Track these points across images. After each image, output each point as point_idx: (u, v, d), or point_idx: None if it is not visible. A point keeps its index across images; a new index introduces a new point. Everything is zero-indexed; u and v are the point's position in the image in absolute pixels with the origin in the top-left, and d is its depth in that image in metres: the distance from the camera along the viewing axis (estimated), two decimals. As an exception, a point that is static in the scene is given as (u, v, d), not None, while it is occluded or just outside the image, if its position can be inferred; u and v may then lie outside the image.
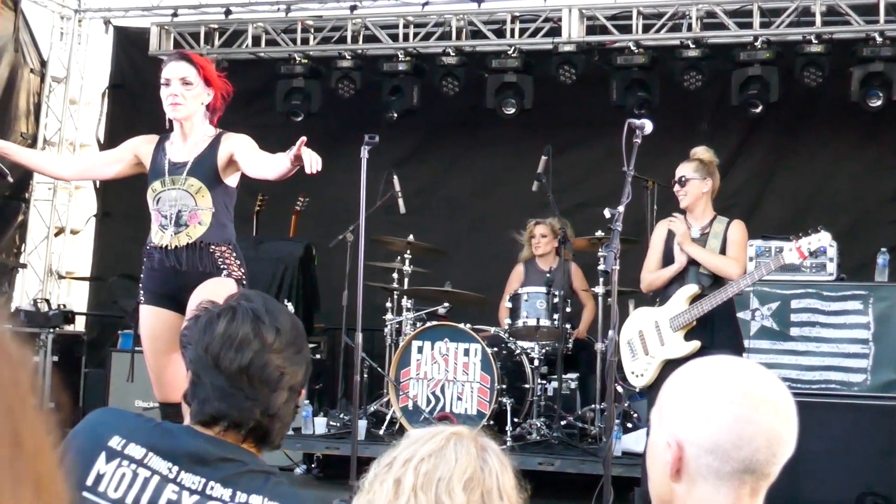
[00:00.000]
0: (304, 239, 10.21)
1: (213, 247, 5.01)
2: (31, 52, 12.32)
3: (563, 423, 8.34)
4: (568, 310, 8.56)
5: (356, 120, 10.32)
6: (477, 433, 2.02)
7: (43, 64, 12.48)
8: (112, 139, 11.72)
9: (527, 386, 8.43)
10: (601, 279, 8.44)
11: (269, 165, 4.83)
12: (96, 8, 12.50)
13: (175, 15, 11.72)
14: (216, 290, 4.64)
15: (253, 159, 4.93)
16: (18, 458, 0.62)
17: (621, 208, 5.95)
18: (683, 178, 6.62)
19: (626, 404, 8.53)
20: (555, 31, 10.37)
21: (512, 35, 10.55)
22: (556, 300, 8.49)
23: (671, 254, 6.67)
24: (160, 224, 5.09)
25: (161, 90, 5.04)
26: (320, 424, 8.63)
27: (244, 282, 5.08)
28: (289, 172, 4.73)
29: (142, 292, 5.19)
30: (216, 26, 11.53)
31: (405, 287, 9.08)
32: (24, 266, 12.38)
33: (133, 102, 11.68)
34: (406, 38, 10.86)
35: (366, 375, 8.50)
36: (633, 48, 10.14)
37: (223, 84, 5.16)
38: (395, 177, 9.31)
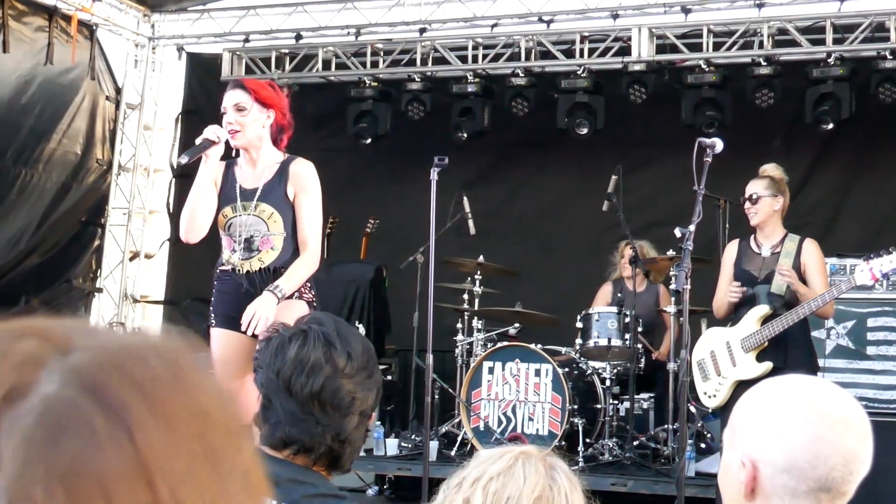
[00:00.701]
0: (374, 261, 10.26)
1: (284, 271, 5.03)
2: (107, 80, 12.54)
3: (635, 443, 8.27)
4: (640, 329, 8.51)
5: (426, 142, 10.36)
6: (546, 453, 2.01)
7: (118, 91, 12.70)
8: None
9: (598, 406, 8.37)
10: (672, 299, 8.38)
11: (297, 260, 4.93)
12: (170, 35, 12.70)
13: (246, 41, 11.88)
14: (287, 312, 4.66)
15: (311, 210, 5.01)
16: (248, 491, 0.64)
17: (692, 227, 5.91)
18: (755, 196, 6.56)
19: (699, 424, 8.44)
20: (624, 51, 10.33)
21: (581, 55, 10.52)
22: (627, 320, 8.44)
23: (743, 275, 6.60)
24: (232, 249, 5.12)
25: (222, 119, 5.09)
26: (392, 446, 8.63)
27: (315, 304, 5.09)
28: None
29: (212, 315, 5.22)
30: (287, 51, 11.65)
31: (476, 308, 9.07)
32: (100, 290, 12.57)
33: (205, 127, 11.82)
34: (475, 59, 10.88)
35: (437, 396, 8.51)
36: (703, 66, 10.08)
37: (280, 102, 5.15)
38: (465, 198, 9.32)
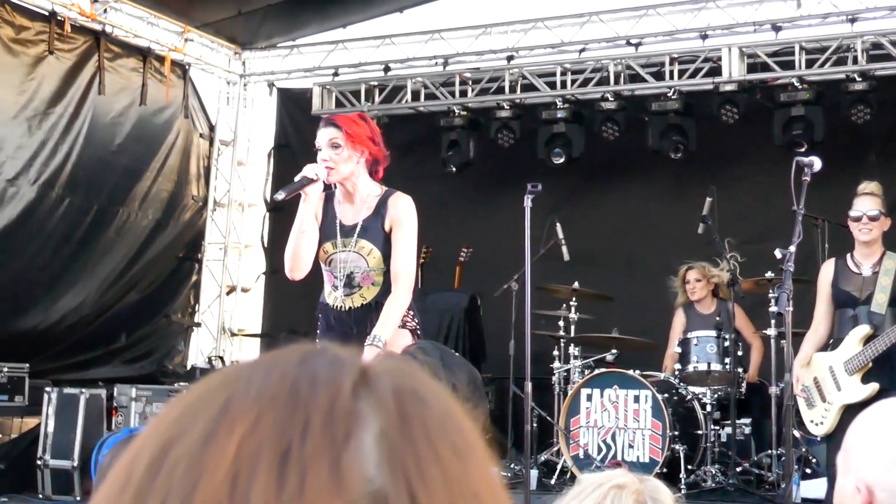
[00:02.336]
0: (468, 289, 10.27)
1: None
2: (200, 118, 12.76)
3: (738, 469, 8.14)
4: (739, 353, 8.40)
5: (515, 168, 10.37)
6: (644, 483, 1.98)
7: (211, 128, 12.92)
8: (275, 200, 12.01)
9: (699, 432, 8.26)
10: (772, 321, 8.25)
11: (390, 300, 4.93)
12: (260, 72, 12.89)
13: (336, 74, 12.00)
14: (393, 341, 4.70)
15: (396, 245, 5.00)
16: None
17: (793, 248, 5.82)
18: (874, 214, 6.43)
19: (803, 449, 8.28)
20: (715, 71, 10.24)
21: (671, 77, 10.46)
22: (726, 343, 8.33)
23: (841, 295, 6.48)
24: (333, 285, 5.14)
25: (317, 156, 5.11)
26: (491, 475, 8.59)
27: (419, 332, 5.10)
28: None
29: (316, 349, 5.26)
30: (376, 83, 11.75)
31: (572, 334, 9.03)
32: (198, 325, 12.75)
33: (297, 162, 11.89)
34: (564, 85, 10.86)
35: (535, 425, 8.46)
36: (796, 84, 9.95)
37: (373, 134, 5.16)
38: (558, 224, 9.29)
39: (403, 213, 5.07)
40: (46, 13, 10.84)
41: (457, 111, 11.20)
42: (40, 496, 9.50)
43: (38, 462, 9.55)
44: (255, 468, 0.57)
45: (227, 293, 12.93)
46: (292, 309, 11.18)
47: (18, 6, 10.64)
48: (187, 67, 12.47)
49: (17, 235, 10.57)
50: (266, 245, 12.55)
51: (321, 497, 0.57)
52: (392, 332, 4.87)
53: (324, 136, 5.06)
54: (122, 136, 11.68)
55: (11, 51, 10.59)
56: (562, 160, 10.62)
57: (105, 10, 11.32)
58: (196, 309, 12.78)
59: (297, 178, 4.96)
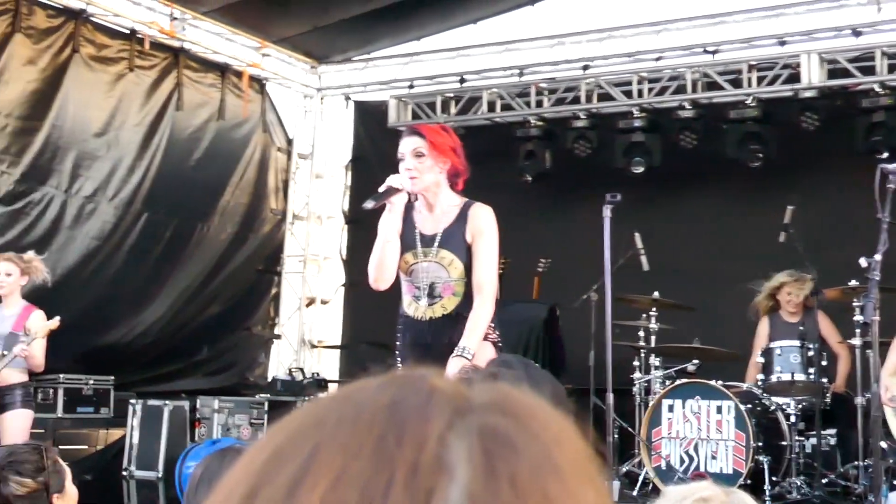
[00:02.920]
0: (547, 300, 10.23)
1: (466, 315, 5.03)
2: (278, 132, 12.89)
3: (824, 481, 8.01)
4: (824, 363, 8.27)
5: (593, 178, 10.32)
6: (730, 495, 1.95)
7: (289, 142, 13.04)
8: (355, 211, 12.11)
9: (784, 443, 8.15)
10: (857, 330, 8.11)
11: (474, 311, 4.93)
12: (337, 85, 12.99)
13: (411, 87, 12.07)
14: (477, 353, 4.70)
15: (478, 261, 5.01)
16: None
17: (878, 256, 5.73)
18: None
19: (891, 461, 8.13)
20: (794, 77, 10.12)
21: (749, 84, 10.35)
22: (810, 353, 8.21)
23: None
24: (413, 295, 5.15)
25: (400, 165, 5.13)
26: (572, 486, 8.54)
27: (500, 344, 5.10)
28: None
29: (399, 361, 5.27)
30: (452, 95, 11.78)
31: (652, 345, 8.96)
32: (278, 337, 12.87)
33: (374, 174, 11.94)
34: (640, 94, 10.80)
35: (616, 436, 8.40)
36: (877, 89, 9.79)
37: (456, 146, 5.17)
38: (637, 234, 9.24)
39: (484, 224, 5.07)
40: (127, 31, 11.04)
41: (532, 121, 11.20)
42: (126, 507, 9.64)
43: (124, 473, 9.68)
44: None
45: (307, 305, 13.03)
46: (371, 320, 11.21)
47: (100, 25, 10.84)
48: (265, 82, 12.61)
49: (99, 252, 10.75)
50: (345, 257, 12.63)
51: None
52: (477, 342, 4.87)
53: (408, 144, 5.07)
54: (201, 151, 11.83)
55: (93, 68, 10.79)
56: (642, 169, 10.56)
57: (184, 28, 11.49)
58: (276, 321, 12.90)
59: (382, 188, 4.98)
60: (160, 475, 9.55)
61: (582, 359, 8.85)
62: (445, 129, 5.34)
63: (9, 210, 10.06)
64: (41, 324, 7.39)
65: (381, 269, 5.03)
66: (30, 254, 7.76)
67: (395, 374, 0.66)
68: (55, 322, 7.40)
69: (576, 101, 11.06)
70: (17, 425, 7.40)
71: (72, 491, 3.12)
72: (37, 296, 8.02)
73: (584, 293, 9.07)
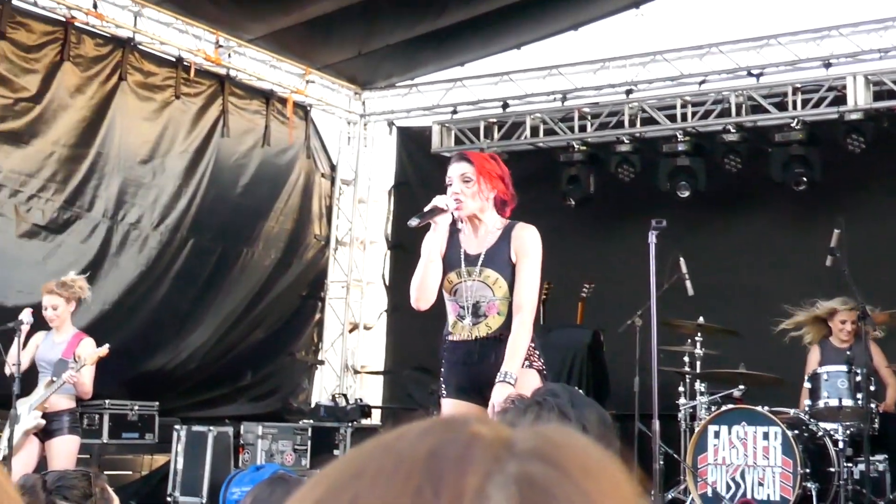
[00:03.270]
0: (591, 325, 10.19)
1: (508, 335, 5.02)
2: (322, 158, 12.96)
3: (873, 508, 7.90)
4: (872, 388, 8.17)
5: (637, 202, 10.29)
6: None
7: (333, 168, 13.10)
8: (399, 236, 12.13)
9: (832, 469, 8.04)
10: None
11: (514, 334, 4.90)
12: (380, 111, 13.05)
13: (455, 112, 12.09)
14: (520, 382, 4.68)
15: (518, 278, 5.00)
16: None
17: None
18: None
19: (942, 487, 8.01)
20: (840, 100, 10.04)
21: (794, 107, 10.28)
22: (858, 378, 8.11)
23: None
24: (458, 315, 5.14)
25: (447, 189, 5.14)
26: (617, 513, 8.47)
27: (545, 372, 5.07)
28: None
29: (443, 386, 5.25)
30: (495, 120, 11.79)
31: (697, 370, 8.89)
32: (321, 362, 12.89)
33: (416, 199, 12.01)
34: (684, 117, 10.76)
35: (661, 462, 8.33)
36: (925, 111, 9.71)
37: (503, 174, 5.17)
38: (682, 258, 9.18)
39: (528, 243, 5.07)
40: (173, 59, 11.14)
41: (576, 146, 11.18)
42: (170, 532, 9.68)
43: (168, 499, 9.73)
44: None
45: (350, 331, 13.05)
46: (415, 345, 11.23)
47: (147, 53, 10.95)
48: (309, 108, 12.69)
49: (145, 278, 10.82)
50: (388, 282, 12.64)
51: None
52: (519, 365, 4.86)
53: (456, 170, 5.09)
54: (247, 178, 11.91)
55: (139, 96, 10.90)
56: (687, 193, 10.51)
57: (229, 55, 11.58)
58: (319, 347, 12.92)
59: (427, 208, 5.00)
60: (204, 500, 9.58)
61: (626, 384, 8.79)
62: (494, 157, 5.36)
63: (55, 237, 10.16)
64: (90, 351, 7.44)
65: (423, 288, 5.03)
66: (70, 275, 7.79)
67: (436, 420, 0.65)
68: (104, 350, 7.46)
69: (619, 125, 11.04)
70: (65, 451, 7.45)
71: None
72: (84, 322, 8.09)
73: (629, 318, 9.00)
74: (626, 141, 10.92)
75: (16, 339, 7.36)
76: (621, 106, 11.09)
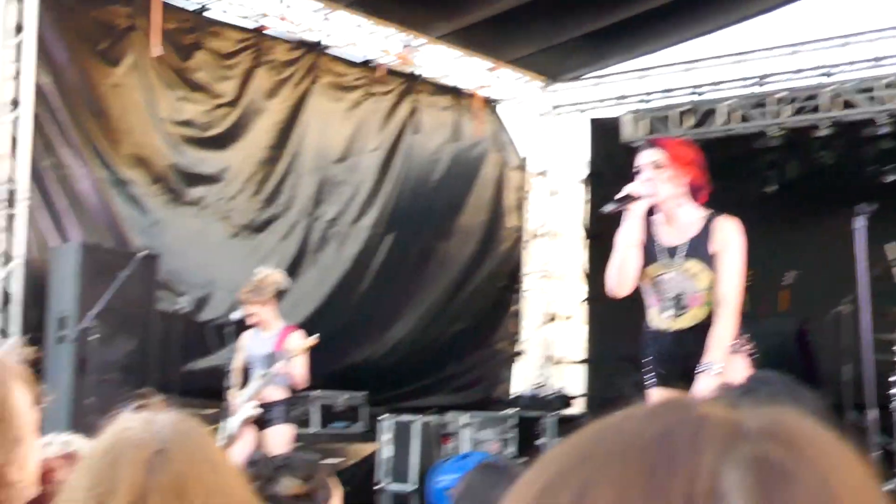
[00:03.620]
0: (796, 313, 9.98)
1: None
2: (512, 151, 13.05)
3: None
4: None
5: (839, 188, 10.03)
6: None
7: (523, 160, 13.16)
8: (596, 226, 12.11)
9: None
10: None
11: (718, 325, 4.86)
12: (570, 102, 13.05)
13: (646, 101, 11.99)
14: (728, 369, 4.65)
15: (722, 274, 4.94)
16: None
17: None
18: None
19: None
20: None
21: None
22: None
23: None
24: (660, 307, 5.14)
25: (638, 177, 5.11)
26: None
27: (754, 356, 5.02)
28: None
29: (649, 376, 5.25)
30: (687, 108, 11.65)
31: (910, 359, 8.61)
32: (521, 353, 12.97)
33: (610, 189, 11.91)
34: (886, 100, 10.42)
35: (878, 453, 8.10)
36: None
37: (697, 160, 5.13)
38: (888, 245, 8.91)
39: (730, 236, 5.01)
40: (363, 60, 11.39)
41: (772, 132, 10.95)
42: (380, 520, 9.91)
43: (377, 487, 9.97)
44: None
45: (549, 321, 13.09)
46: (617, 335, 11.16)
47: (336, 56, 11.24)
48: (498, 103, 12.78)
49: (347, 273, 11.12)
50: (587, 272, 12.64)
51: None
52: (723, 357, 4.82)
53: (647, 157, 5.06)
54: (440, 173, 12.10)
55: (331, 97, 11.20)
56: (893, 178, 10.18)
57: (417, 53, 11.75)
58: (518, 337, 13.01)
59: (620, 195, 4.99)
60: (412, 488, 9.78)
61: (834, 374, 8.59)
62: (686, 143, 5.32)
63: (255, 236, 10.52)
64: (298, 343, 7.68)
65: (621, 276, 5.03)
66: (258, 274, 7.89)
67: (662, 403, 0.65)
68: (313, 339, 7.67)
69: (817, 109, 10.77)
70: (280, 439, 7.71)
71: None
72: (292, 319, 8.35)
73: (834, 306, 8.80)
74: (825, 125, 10.64)
75: (228, 335, 7.67)
76: (818, 90, 10.81)
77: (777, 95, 11.07)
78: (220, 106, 10.35)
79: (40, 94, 9.05)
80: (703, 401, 0.64)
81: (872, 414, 6.18)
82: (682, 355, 5.01)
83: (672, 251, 5.08)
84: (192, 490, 1.43)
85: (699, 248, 5.03)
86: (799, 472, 0.59)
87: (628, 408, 0.66)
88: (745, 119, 11.22)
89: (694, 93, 11.77)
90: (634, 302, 5.34)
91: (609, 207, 5.02)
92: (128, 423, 1.51)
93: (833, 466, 0.61)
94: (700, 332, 4.99)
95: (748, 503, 0.57)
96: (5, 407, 1.78)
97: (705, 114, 11.51)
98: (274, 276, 7.86)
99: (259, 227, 10.59)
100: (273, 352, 7.69)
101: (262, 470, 3.05)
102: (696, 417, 0.62)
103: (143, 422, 1.51)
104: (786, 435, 0.61)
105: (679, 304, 5.06)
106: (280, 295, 7.92)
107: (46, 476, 1.93)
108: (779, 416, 0.64)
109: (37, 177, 9.08)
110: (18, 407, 1.81)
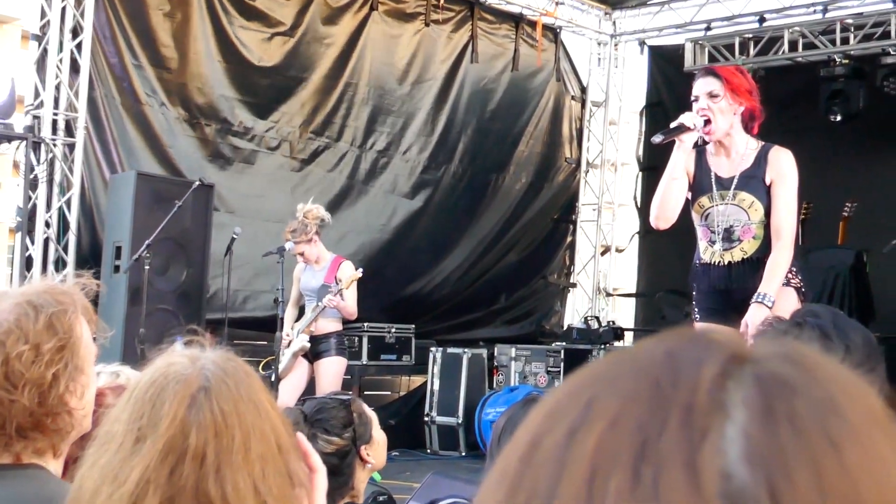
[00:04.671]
0: (854, 245, 9.79)
1: (765, 260, 4.88)
2: (572, 80, 12.87)
3: None
4: None
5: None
6: None
7: (583, 90, 12.99)
8: (651, 158, 11.95)
9: None
10: None
11: (773, 256, 4.74)
12: (631, 31, 12.83)
13: (708, 28, 11.75)
14: (778, 302, 4.54)
15: (777, 202, 4.82)
16: None
17: None
18: None
19: None
20: None
21: None
22: None
23: None
24: (709, 240, 5.03)
25: (693, 106, 5.01)
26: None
27: (803, 289, 4.91)
28: None
29: (696, 310, 5.17)
30: (750, 35, 11.38)
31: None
32: (573, 286, 12.91)
33: (669, 119, 11.71)
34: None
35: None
36: None
37: (752, 89, 5.01)
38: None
39: (785, 167, 4.90)
40: (423, -15, 11.26)
41: (838, 60, 10.67)
42: (428, 451, 9.96)
43: (426, 419, 10.00)
44: (613, 466, 0.57)
45: (602, 254, 13.00)
46: (668, 268, 11.09)
47: (396, -19, 11.11)
48: (558, 31, 12.59)
49: (398, 206, 11.06)
50: (640, 205, 12.50)
51: (675, 494, 0.56)
52: (777, 289, 4.72)
53: (702, 86, 4.95)
54: (495, 103, 11.96)
55: (389, 25, 11.07)
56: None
57: (479, -20, 11.58)
58: (571, 270, 12.94)
59: (673, 125, 4.88)
60: (460, 421, 9.81)
61: (892, 307, 8.43)
62: (741, 70, 5.19)
63: (304, 167, 10.48)
64: (349, 273, 7.66)
65: (664, 207, 4.94)
66: (299, 211, 7.78)
67: (675, 331, 0.66)
68: (359, 272, 7.65)
69: (886, 35, 10.45)
70: (332, 371, 7.72)
71: (379, 437, 3.22)
72: (343, 251, 8.32)
73: (894, 238, 8.61)
74: (893, 52, 10.34)
75: (279, 265, 7.65)
76: (888, 15, 10.49)
77: (843, 21, 10.76)
78: (276, 35, 10.27)
79: (98, 21, 9.05)
80: (717, 330, 0.64)
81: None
82: (731, 289, 4.93)
83: (725, 183, 4.98)
84: (232, 429, 1.44)
85: (753, 179, 4.92)
86: (804, 386, 0.60)
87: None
88: (810, 46, 10.94)
89: (758, 19, 11.47)
90: (687, 235, 5.27)
91: (658, 138, 4.91)
92: (174, 358, 1.53)
93: (841, 388, 0.61)
94: (752, 265, 4.90)
95: (751, 412, 0.58)
96: (72, 336, 1.87)
97: (769, 41, 11.23)
98: (315, 211, 7.78)
99: (308, 159, 10.54)
100: (324, 284, 7.68)
101: (296, 430, 3.05)
102: (705, 341, 0.63)
103: (188, 358, 1.52)
104: (795, 358, 0.62)
105: (730, 237, 4.97)
106: (321, 227, 7.82)
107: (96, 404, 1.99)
108: (792, 344, 0.64)
109: (92, 107, 9.10)
110: (83, 337, 1.90)
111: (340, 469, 3.05)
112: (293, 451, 1.54)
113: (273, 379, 7.46)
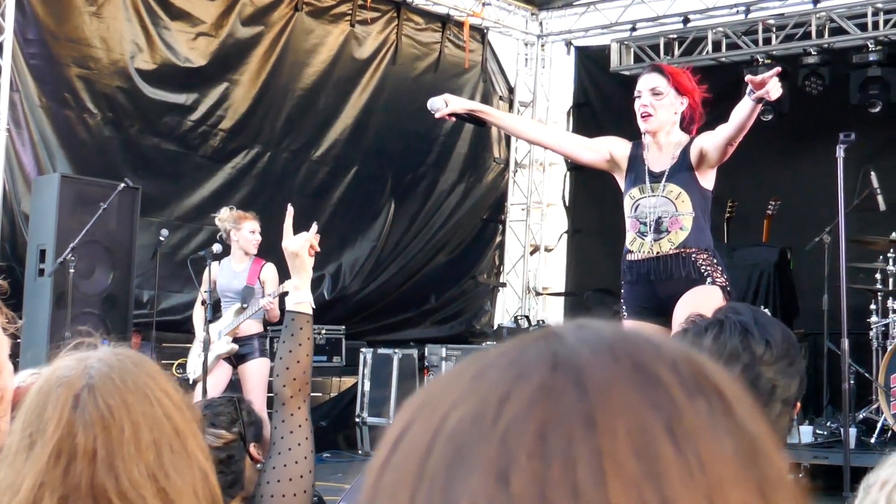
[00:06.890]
0: (778, 243, 9.94)
1: (695, 254, 4.95)
2: (499, 81, 12.91)
3: None
4: None
5: (826, 117, 9.94)
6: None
7: (510, 90, 13.04)
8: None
9: None
10: None
11: (735, 123, 4.76)
12: (558, 31, 12.91)
13: (633, 29, 11.85)
14: (702, 299, 4.57)
15: (720, 130, 4.86)
16: None
17: None
18: None
19: None
20: None
21: None
22: None
23: None
24: (639, 231, 5.07)
25: (634, 103, 5.06)
26: (806, 433, 8.33)
27: (728, 289, 4.97)
28: (753, 112, 4.73)
29: (624, 307, 5.21)
30: (675, 36, 11.52)
31: (890, 288, 8.60)
32: (503, 285, 12.96)
33: (597, 120, 11.90)
34: (876, 26, 10.29)
35: (852, 382, 8.13)
36: None
37: (696, 91, 5.08)
38: (873, 173, 8.86)
39: (707, 134, 4.96)
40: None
41: (761, 60, 10.82)
42: (359, 452, 9.95)
43: (357, 420, 9.99)
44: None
45: (531, 253, 13.07)
46: (596, 267, 11.17)
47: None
48: (486, 31, 12.63)
49: (316, 206, 10.92)
50: (568, 204, 12.58)
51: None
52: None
53: (647, 81, 4.99)
54: (419, 103, 11.90)
55: (314, 24, 11.00)
56: (880, 107, 10.07)
57: (404, -20, 11.57)
58: (501, 269, 12.99)
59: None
60: (391, 422, 9.75)
61: (815, 303, 8.57)
62: (688, 73, 5.23)
63: (217, 168, 10.37)
64: (274, 275, 7.63)
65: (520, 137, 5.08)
66: (223, 212, 7.82)
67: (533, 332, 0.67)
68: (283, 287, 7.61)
69: (806, 36, 10.63)
70: (258, 373, 7.69)
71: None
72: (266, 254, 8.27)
73: (817, 235, 8.76)
74: (814, 53, 10.52)
75: (207, 267, 7.60)
76: (808, 16, 10.67)
77: (765, 22, 10.92)
78: (201, 35, 10.18)
79: (19, 22, 8.92)
80: (569, 327, 0.65)
81: (847, 343, 6.17)
82: (662, 280, 4.97)
83: (656, 176, 5.04)
84: (121, 422, 1.44)
85: (679, 171, 4.98)
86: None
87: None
88: (733, 47, 11.09)
89: (682, 20, 11.60)
90: (615, 234, 5.31)
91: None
92: (61, 362, 1.53)
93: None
94: (679, 257, 4.95)
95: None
96: None
97: (693, 41, 11.36)
98: (235, 212, 7.81)
99: (227, 159, 10.42)
100: (248, 285, 7.64)
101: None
102: (541, 336, 0.64)
103: (76, 360, 1.51)
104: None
105: (658, 229, 5.01)
106: (239, 229, 7.77)
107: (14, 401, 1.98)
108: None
109: (13, 108, 8.96)
110: None
111: (229, 465, 3.04)
112: (196, 431, 1.53)
113: (191, 382, 7.43)
